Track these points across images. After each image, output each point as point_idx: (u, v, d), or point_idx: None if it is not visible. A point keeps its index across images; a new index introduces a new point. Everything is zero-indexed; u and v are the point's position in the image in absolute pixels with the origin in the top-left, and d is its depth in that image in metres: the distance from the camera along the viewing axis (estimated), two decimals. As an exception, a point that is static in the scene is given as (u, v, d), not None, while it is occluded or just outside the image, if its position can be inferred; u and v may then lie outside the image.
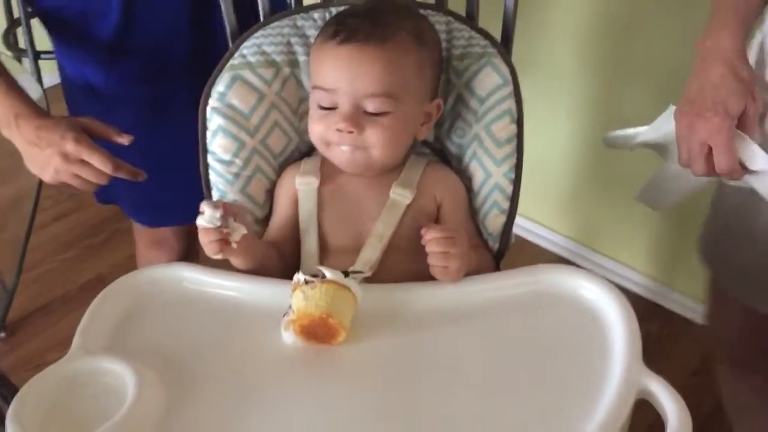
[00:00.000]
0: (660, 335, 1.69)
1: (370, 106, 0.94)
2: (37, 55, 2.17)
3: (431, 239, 0.90)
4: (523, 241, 1.93)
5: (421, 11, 1.06)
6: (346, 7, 1.05)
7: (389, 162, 0.99)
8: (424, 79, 0.98)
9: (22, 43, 2.20)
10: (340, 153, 0.97)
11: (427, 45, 0.99)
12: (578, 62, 1.65)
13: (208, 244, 0.89)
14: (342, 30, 0.94)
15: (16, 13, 2.21)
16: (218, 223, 0.87)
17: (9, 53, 2.25)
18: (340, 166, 1.00)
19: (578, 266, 1.80)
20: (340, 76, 0.94)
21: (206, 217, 0.87)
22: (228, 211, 0.89)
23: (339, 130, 0.94)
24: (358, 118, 0.94)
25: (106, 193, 1.25)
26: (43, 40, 2.35)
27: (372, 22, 0.95)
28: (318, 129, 0.97)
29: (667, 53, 1.49)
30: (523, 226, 1.93)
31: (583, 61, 1.64)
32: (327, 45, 0.95)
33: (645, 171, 1.63)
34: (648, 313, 1.74)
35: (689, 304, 1.71)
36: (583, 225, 1.87)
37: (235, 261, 0.95)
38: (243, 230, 0.89)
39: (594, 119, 1.69)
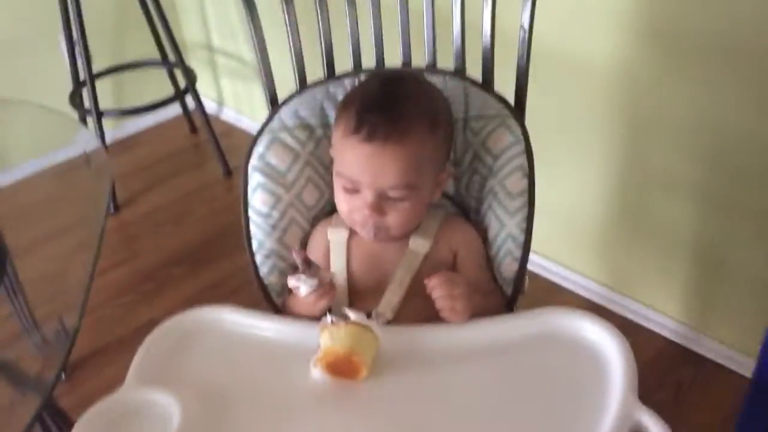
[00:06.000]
0: (693, 381, 1.67)
1: (392, 193, 1.02)
2: (100, 114, 2.31)
3: (434, 285, 0.98)
4: (555, 287, 1.93)
5: (441, 77, 1.15)
6: (371, 74, 1.14)
7: (408, 232, 1.08)
8: (439, 157, 1.05)
9: (87, 103, 2.35)
10: (365, 231, 1.06)
11: (442, 126, 1.05)
12: (607, 112, 1.66)
13: (316, 301, 1.01)
14: (363, 127, 0.99)
15: (82, 76, 2.34)
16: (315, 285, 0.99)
17: (75, 112, 2.39)
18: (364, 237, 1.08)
19: (611, 312, 1.83)
20: (363, 171, 1.00)
21: (305, 289, 0.99)
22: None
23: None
24: (381, 204, 1.02)
25: None
26: (105, 100, 2.51)
27: (390, 119, 0.99)
28: (344, 208, 1.06)
29: (691, 103, 1.51)
30: (555, 272, 1.94)
31: (611, 111, 1.65)
32: (350, 140, 1.00)
33: (674, 218, 1.65)
34: (681, 359, 1.72)
35: (722, 350, 1.69)
36: (615, 271, 1.84)
37: (311, 306, 1.03)
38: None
39: (623, 167, 1.70)
